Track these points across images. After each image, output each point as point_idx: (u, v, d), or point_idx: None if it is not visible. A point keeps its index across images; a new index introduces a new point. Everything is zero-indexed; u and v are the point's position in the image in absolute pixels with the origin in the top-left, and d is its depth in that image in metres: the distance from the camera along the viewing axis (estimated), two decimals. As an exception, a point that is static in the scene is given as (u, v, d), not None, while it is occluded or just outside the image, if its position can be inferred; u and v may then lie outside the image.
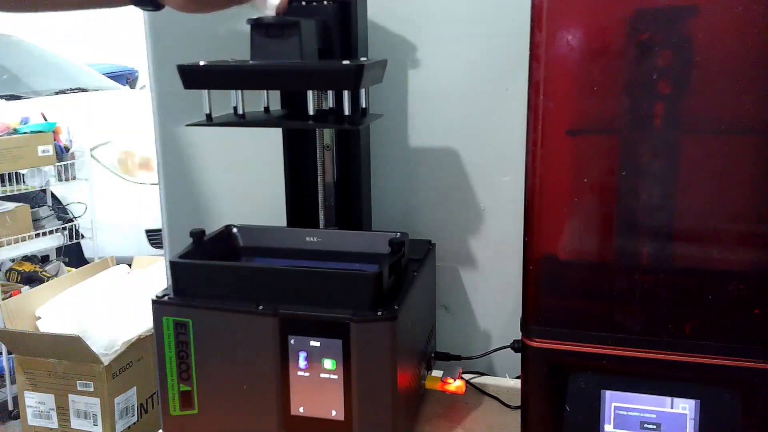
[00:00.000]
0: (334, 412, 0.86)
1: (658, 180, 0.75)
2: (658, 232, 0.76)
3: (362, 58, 0.98)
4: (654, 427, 0.79)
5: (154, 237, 3.90)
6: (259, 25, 0.87)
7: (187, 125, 0.91)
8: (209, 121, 0.90)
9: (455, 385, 1.01)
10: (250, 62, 0.88)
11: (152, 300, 0.89)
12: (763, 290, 0.73)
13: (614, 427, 0.80)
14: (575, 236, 0.78)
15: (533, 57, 0.75)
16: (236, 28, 0.89)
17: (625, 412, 0.79)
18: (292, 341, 0.85)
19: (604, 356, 0.78)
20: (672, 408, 0.78)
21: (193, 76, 0.87)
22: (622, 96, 0.74)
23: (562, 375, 0.81)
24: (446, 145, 1.14)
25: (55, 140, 2.96)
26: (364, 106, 0.93)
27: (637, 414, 0.79)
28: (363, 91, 0.92)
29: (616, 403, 0.79)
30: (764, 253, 0.73)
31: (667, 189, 0.75)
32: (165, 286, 0.93)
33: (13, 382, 3.03)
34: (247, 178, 1.24)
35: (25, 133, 2.86)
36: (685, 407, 0.78)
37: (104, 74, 4.80)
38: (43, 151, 2.87)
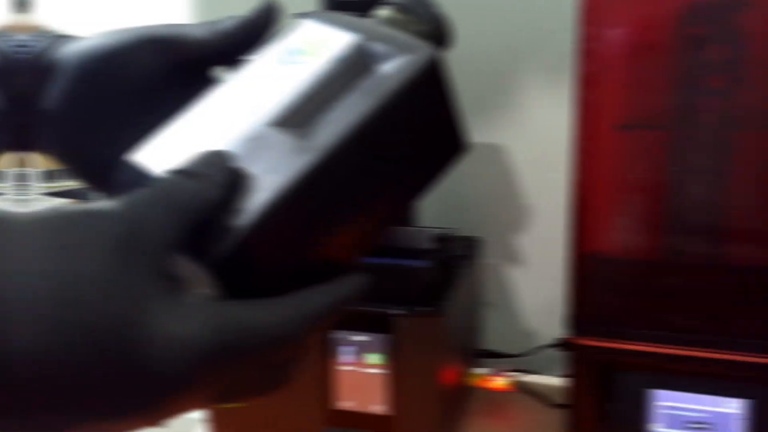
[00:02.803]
0: (379, 407, 0.86)
1: (708, 176, 0.73)
2: (708, 229, 0.74)
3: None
4: (703, 426, 0.77)
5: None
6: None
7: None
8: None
9: (500, 382, 1.01)
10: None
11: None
12: (818, 289, 0.71)
13: (662, 427, 0.78)
14: (623, 233, 0.77)
15: (581, 51, 0.74)
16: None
17: (674, 412, 0.78)
18: (337, 335, 0.86)
19: (652, 354, 0.77)
20: (723, 408, 0.76)
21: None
22: (671, 91, 0.73)
23: (609, 373, 0.80)
24: (491, 141, 1.14)
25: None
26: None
27: (686, 413, 0.78)
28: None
29: (664, 402, 0.78)
30: (820, 251, 0.71)
31: (717, 186, 0.73)
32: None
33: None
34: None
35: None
36: (738, 407, 0.76)
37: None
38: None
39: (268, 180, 0.34)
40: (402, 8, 0.41)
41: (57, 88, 0.39)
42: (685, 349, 0.76)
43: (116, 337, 0.26)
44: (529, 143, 1.12)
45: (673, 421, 0.78)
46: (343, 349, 0.86)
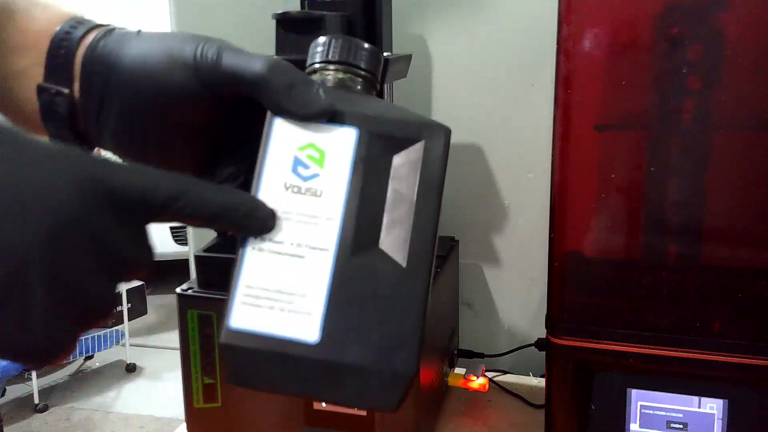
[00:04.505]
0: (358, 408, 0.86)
1: (686, 176, 0.74)
2: (687, 230, 0.75)
3: (386, 53, 0.98)
4: (681, 426, 0.78)
5: (178, 234, 3.94)
6: (284, 20, 0.87)
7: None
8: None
9: (478, 382, 1.01)
10: (275, 57, 0.87)
11: (177, 293, 0.89)
12: (794, 289, 0.72)
13: (640, 426, 0.79)
14: (602, 233, 0.77)
15: (560, 51, 0.74)
16: (261, 23, 0.89)
17: (651, 411, 0.78)
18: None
19: (630, 354, 0.77)
20: (699, 407, 0.77)
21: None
22: (650, 91, 0.73)
23: (588, 373, 0.80)
24: (471, 141, 1.13)
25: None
26: (388, 101, 0.93)
27: (663, 413, 0.78)
28: (387, 85, 0.92)
29: (642, 402, 0.78)
30: (796, 251, 0.72)
31: (696, 185, 0.74)
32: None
33: (38, 375, 3.07)
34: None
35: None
36: (713, 407, 0.76)
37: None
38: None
39: (403, 322, 0.34)
40: (344, 66, 0.39)
41: (112, 113, 0.39)
42: (664, 349, 0.76)
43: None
44: (507, 143, 1.12)
45: (652, 420, 0.78)
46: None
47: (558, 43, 0.74)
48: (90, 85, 0.39)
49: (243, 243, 0.35)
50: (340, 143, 0.36)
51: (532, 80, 1.08)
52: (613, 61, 0.73)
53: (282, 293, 0.34)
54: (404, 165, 0.36)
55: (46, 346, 0.32)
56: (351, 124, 0.36)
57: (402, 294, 0.34)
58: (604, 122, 0.76)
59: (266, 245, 0.35)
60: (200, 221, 0.35)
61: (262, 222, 0.35)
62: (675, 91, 0.72)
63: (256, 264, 0.35)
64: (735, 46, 0.70)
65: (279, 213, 0.35)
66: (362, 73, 0.39)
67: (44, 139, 0.34)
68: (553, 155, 0.77)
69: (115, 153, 0.41)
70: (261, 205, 0.35)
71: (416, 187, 0.36)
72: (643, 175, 0.75)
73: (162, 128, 0.39)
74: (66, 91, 0.39)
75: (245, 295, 0.35)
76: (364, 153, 0.36)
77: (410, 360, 0.34)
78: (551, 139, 0.76)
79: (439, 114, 1.14)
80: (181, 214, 0.34)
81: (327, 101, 0.36)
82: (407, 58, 0.96)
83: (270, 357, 0.34)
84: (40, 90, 0.39)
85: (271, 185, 0.36)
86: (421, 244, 0.35)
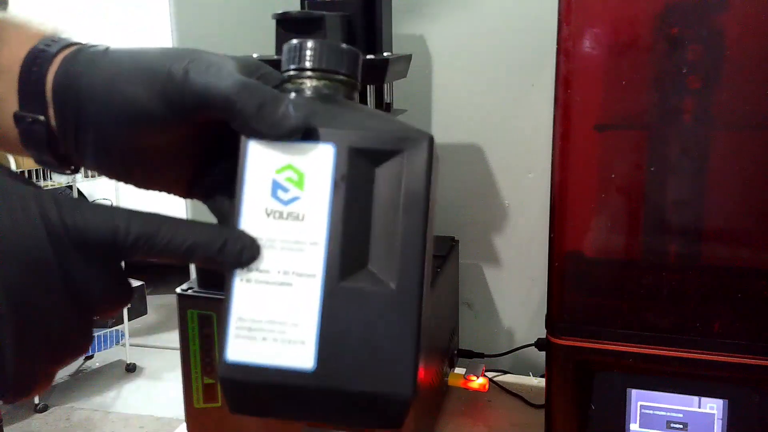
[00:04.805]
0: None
1: (687, 176, 0.74)
2: (687, 230, 0.75)
3: (386, 53, 0.98)
4: (681, 426, 0.78)
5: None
6: (284, 20, 0.87)
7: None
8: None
9: (478, 382, 1.01)
10: (275, 57, 0.88)
11: (177, 293, 0.89)
12: (794, 289, 0.72)
13: (640, 426, 0.79)
14: (602, 233, 0.77)
15: (560, 51, 0.74)
16: (261, 23, 0.89)
17: (651, 411, 0.78)
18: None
19: (630, 354, 0.77)
20: (699, 407, 0.77)
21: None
22: (650, 91, 0.73)
23: (588, 373, 0.80)
24: (471, 141, 1.13)
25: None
26: (387, 101, 0.93)
27: (663, 413, 0.78)
28: (387, 86, 0.91)
29: (642, 401, 0.78)
30: (796, 251, 0.72)
31: (696, 185, 0.74)
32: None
33: (38, 375, 3.07)
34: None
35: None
36: (713, 407, 0.76)
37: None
38: (70, 148, 2.90)
39: (397, 345, 0.33)
40: (319, 72, 0.37)
41: (88, 140, 0.38)
42: (664, 349, 0.76)
43: None
44: (507, 143, 1.12)
45: (652, 420, 0.78)
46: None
47: (558, 43, 0.74)
48: (63, 113, 0.38)
49: (231, 275, 0.35)
50: (319, 162, 0.34)
51: (532, 80, 1.08)
52: (613, 61, 0.73)
53: (274, 323, 0.34)
54: (387, 179, 0.34)
55: (16, 386, 0.33)
56: (328, 140, 0.34)
57: (394, 316, 0.34)
58: (604, 122, 0.76)
59: (253, 275, 0.34)
60: (174, 259, 0.35)
61: (237, 255, 0.34)
62: (675, 91, 0.72)
63: (246, 295, 0.34)
64: (735, 46, 0.70)
65: (263, 241, 0.34)
66: (339, 77, 0.37)
67: (12, 181, 0.33)
68: (553, 155, 0.77)
69: (101, 174, 0.40)
70: (234, 238, 0.34)
71: (401, 202, 0.34)
72: (643, 175, 0.75)
73: (140, 151, 0.38)
74: (42, 118, 0.38)
75: (238, 327, 0.34)
76: (344, 170, 0.34)
77: (407, 383, 0.33)
78: (551, 139, 0.76)
79: (439, 114, 1.14)
80: (153, 252, 0.34)
81: (299, 118, 0.34)
82: (407, 58, 0.96)
83: (268, 387, 0.34)
84: (17, 118, 0.39)
85: (252, 212, 0.35)
86: (410, 261, 0.34)
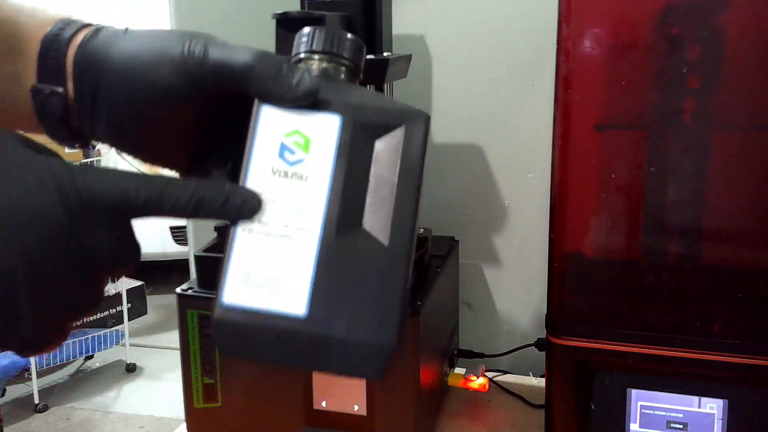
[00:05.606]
0: (356, 407, 0.86)
1: (687, 176, 0.74)
2: (687, 230, 0.75)
3: (386, 53, 0.98)
4: (681, 426, 0.78)
5: (178, 234, 3.93)
6: (284, 20, 0.87)
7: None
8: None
9: (478, 382, 1.01)
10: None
11: (177, 293, 0.89)
12: (794, 289, 0.72)
13: (640, 426, 0.79)
14: (602, 233, 0.77)
15: (560, 51, 0.74)
16: (261, 23, 0.89)
17: (651, 411, 0.78)
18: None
19: (630, 354, 0.77)
20: (699, 407, 0.77)
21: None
22: (650, 91, 0.73)
23: (588, 373, 0.80)
24: (471, 141, 1.13)
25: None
26: (388, 101, 0.93)
27: (663, 413, 0.78)
28: (387, 86, 0.91)
29: (642, 402, 0.78)
30: (796, 251, 0.72)
31: (696, 186, 0.74)
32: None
33: (38, 375, 3.07)
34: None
35: (52, 129, 2.88)
36: (713, 407, 0.76)
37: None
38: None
39: (385, 297, 0.36)
40: (327, 55, 0.40)
41: (104, 113, 0.40)
42: (664, 349, 0.76)
43: None
44: (507, 143, 1.12)
45: (652, 420, 0.78)
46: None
47: (558, 43, 0.74)
48: (82, 85, 0.40)
49: (234, 226, 0.37)
50: (325, 129, 0.37)
51: (532, 80, 1.08)
52: (613, 60, 0.73)
53: (271, 271, 0.36)
54: (385, 150, 0.38)
55: (34, 343, 0.36)
56: (335, 111, 0.38)
57: (384, 271, 0.36)
58: (604, 122, 0.76)
59: (255, 227, 0.37)
60: (182, 215, 0.37)
61: (239, 208, 0.36)
62: (675, 91, 0.72)
63: (246, 244, 0.37)
64: (735, 46, 0.70)
65: (267, 196, 0.37)
66: (345, 62, 0.40)
67: (30, 153, 0.35)
68: (553, 155, 0.77)
69: (111, 146, 0.42)
70: (237, 193, 0.36)
71: (397, 171, 0.38)
72: (643, 175, 0.75)
73: (153, 126, 0.40)
74: (60, 90, 0.40)
75: (236, 273, 0.36)
76: (348, 139, 0.37)
77: (391, 332, 0.35)
78: (551, 139, 0.76)
79: (439, 114, 1.14)
80: (162, 211, 0.36)
81: (314, 81, 0.37)
82: (407, 58, 0.96)
83: (260, 330, 0.36)
84: (35, 91, 0.40)
85: (259, 170, 0.37)
86: (402, 224, 0.37)
